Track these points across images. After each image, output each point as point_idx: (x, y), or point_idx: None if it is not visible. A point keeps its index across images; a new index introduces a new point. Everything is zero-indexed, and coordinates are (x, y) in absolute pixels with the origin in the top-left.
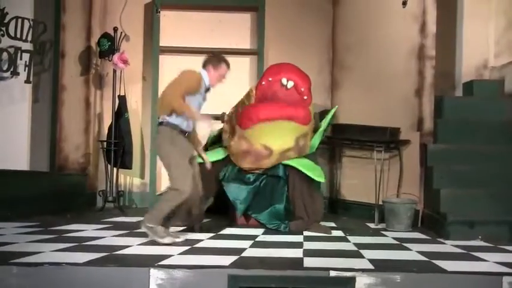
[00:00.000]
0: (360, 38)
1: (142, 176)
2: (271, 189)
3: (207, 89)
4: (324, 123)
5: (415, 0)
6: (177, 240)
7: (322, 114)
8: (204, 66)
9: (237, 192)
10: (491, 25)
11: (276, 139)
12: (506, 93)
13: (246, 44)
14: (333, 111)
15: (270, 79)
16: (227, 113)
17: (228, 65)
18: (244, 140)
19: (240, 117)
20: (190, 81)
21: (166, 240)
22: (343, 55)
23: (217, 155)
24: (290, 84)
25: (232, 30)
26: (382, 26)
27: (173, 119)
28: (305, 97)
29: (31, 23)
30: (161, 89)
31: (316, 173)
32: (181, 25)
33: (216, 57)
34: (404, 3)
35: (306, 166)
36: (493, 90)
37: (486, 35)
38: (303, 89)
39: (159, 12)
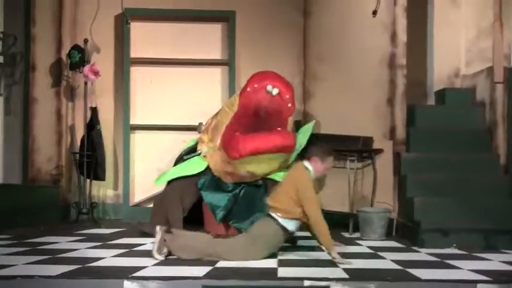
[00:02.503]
0: (331, 48)
1: (115, 188)
2: (252, 198)
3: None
4: (303, 142)
5: (385, 9)
6: None
7: (296, 125)
8: (310, 156)
9: (216, 200)
10: (461, 33)
11: (261, 168)
12: (477, 101)
13: (217, 54)
14: (310, 127)
15: (256, 85)
16: (204, 123)
17: (332, 155)
18: (229, 164)
19: (226, 144)
20: (311, 184)
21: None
22: (314, 65)
23: (198, 167)
24: (275, 91)
25: (203, 41)
26: (353, 36)
27: (285, 222)
28: (289, 104)
29: (1, 35)
30: (133, 100)
31: None
32: (151, 36)
33: (325, 149)
34: (374, 13)
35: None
36: (464, 99)
37: (457, 44)
38: (287, 97)
39: (129, 23)
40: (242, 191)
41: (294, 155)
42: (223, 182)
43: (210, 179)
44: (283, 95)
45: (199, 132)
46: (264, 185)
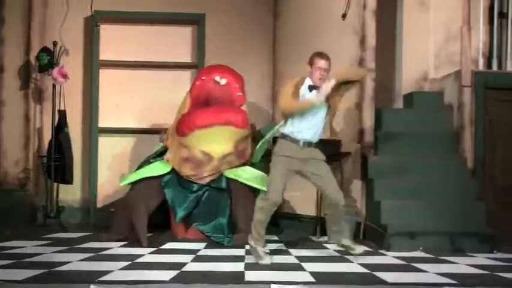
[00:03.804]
0: (300, 50)
1: (83, 191)
2: (215, 202)
3: (314, 88)
4: (269, 135)
5: (355, 13)
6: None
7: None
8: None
9: (177, 198)
10: (430, 37)
11: (215, 145)
12: (445, 104)
13: (187, 57)
14: (276, 127)
15: (204, 78)
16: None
17: (320, 55)
18: (184, 147)
19: (178, 125)
20: (286, 86)
21: (266, 260)
22: (284, 67)
23: (162, 169)
24: (223, 81)
25: (173, 43)
26: (322, 39)
27: (285, 129)
28: (239, 93)
29: None
30: (102, 102)
31: (261, 182)
32: (121, 39)
33: (311, 55)
34: (343, 16)
35: (249, 177)
36: (432, 102)
37: (426, 48)
38: (236, 86)
39: (99, 26)
40: (205, 194)
41: (259, 152)
42: (188, 183)
43: (174, 177)
44: (232, 84)
45: (161, 142)
46: (227, 188)
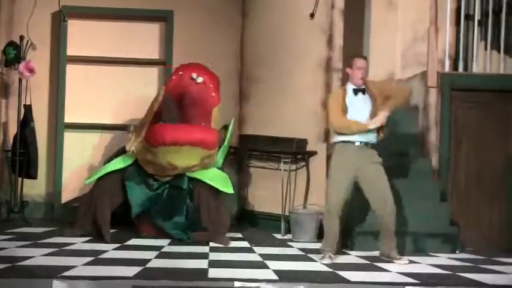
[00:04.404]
0: (268, 49)
1: (48, 186)
2: (173, 201)
3: (358, 91)
4: (226, 140)
5: (323, 12)
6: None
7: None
8: (346, 73)
9: (136, 194)
10: (397, 38)
11: (181, 160)
12: (411, 105)
13: (154, 54)
14: (231, 126)
15: (181, 73)
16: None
17: (357, 56)
18: (149, 153)
19: (148, 132)
20: (331, 100)
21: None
22: (251, 66)
23: (126, 162)
24: (200, 79)
25: (141, 40)
26: (290, 38)
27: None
28: (213, 94)
29: None
30: (68, 98)
31: (223, 184)
32: (89, 34)
33: (349, 59)
34: (311, 16)
35: (212, 178)
36: None
37: (393, 48)
38: (211, 86)
39: (67, 21)
40: (165, 192)
41: (220, 158)
42: (150, 179)
43: (137, 171)
44: (207, 83)
45: (129, 133)
46: (188, 188)
